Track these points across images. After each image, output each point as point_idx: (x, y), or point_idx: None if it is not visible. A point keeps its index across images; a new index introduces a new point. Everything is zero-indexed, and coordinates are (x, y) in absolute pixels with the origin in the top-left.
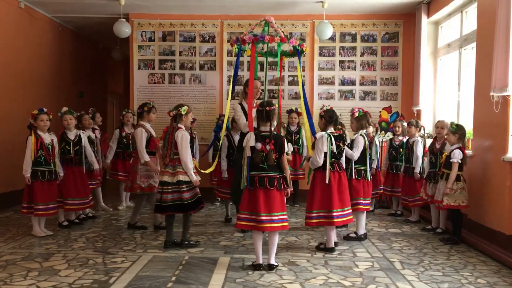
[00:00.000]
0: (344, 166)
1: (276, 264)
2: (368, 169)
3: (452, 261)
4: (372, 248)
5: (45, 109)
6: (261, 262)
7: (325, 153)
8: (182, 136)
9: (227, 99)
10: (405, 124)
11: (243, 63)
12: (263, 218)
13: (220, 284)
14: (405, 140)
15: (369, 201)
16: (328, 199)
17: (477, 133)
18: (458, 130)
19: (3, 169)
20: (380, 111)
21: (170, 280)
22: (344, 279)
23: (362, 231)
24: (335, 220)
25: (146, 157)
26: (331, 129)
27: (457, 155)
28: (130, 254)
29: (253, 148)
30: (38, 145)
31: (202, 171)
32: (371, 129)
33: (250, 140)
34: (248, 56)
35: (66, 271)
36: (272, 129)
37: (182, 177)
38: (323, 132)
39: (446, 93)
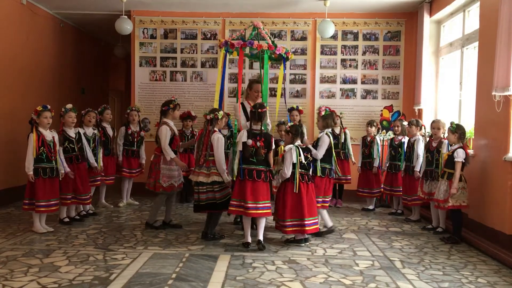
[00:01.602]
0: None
1: (263, 243)
2: (333, 167)
3: (452, 261)
4: (373, 247)
5: (49, 106)
6: (249, 241)
7: (294, 164)
8: (218, 139)
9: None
10: (405, 123)
11: (244, 61)
12: (250, 205)
13: (221, 281)
14: (404, 139)
15: (328, 199)
16: (299, 208)
17: (478, 133)
18: (457, 129)
19: (4, 165)
20: (382, 110)
21: (171, 277)
22: (344, 278)
23: (330, 223)
24: (307, 228)
25: (172, 154)
26: (298, 142)
27: (460, 155)
28: (130, 251)
29: (244, 144)
30: (39, 142)
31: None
32: (373, 128)
33: (243, 136)
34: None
35: (67, 268)
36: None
37: (216, 178)
38: (291, 145)
39: (447, 92)
